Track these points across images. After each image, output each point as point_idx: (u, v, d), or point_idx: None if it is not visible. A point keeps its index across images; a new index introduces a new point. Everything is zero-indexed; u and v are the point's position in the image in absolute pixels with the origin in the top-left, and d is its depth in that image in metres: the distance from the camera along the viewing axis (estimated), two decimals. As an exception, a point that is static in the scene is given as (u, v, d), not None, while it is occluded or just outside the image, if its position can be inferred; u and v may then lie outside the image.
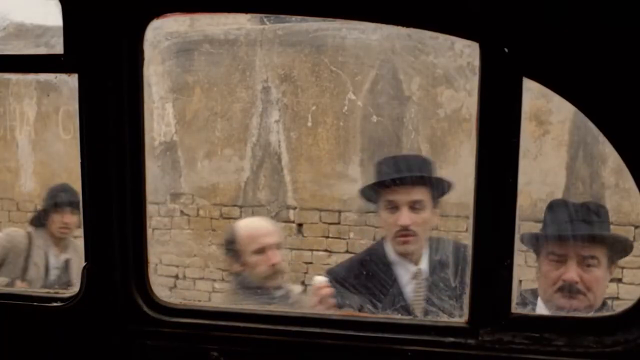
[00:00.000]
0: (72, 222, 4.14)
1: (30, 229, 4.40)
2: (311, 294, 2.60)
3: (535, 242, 2.51)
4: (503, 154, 1.58)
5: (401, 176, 2.65)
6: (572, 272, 2.32)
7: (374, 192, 2.76)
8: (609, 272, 2.39)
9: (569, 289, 2.33)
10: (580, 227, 2.38)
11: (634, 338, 1.59)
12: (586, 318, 1.89)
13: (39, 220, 4.35)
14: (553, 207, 2.54)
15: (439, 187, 2.71)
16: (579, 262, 2.34)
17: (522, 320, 1.65)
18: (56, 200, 4.23)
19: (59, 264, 4.27)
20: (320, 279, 2.64)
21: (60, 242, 4.24)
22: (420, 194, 2.65)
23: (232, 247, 3.06)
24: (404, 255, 2.69)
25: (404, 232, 2.62)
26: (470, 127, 1.73)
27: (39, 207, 4.75)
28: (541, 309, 2.39)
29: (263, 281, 2.94)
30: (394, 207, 2.64)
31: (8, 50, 2.05)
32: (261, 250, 2.95)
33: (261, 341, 1.79)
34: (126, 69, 1.74)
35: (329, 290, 2.55)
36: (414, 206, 2.62)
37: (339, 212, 6.96)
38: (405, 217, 2.61)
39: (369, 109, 6.76)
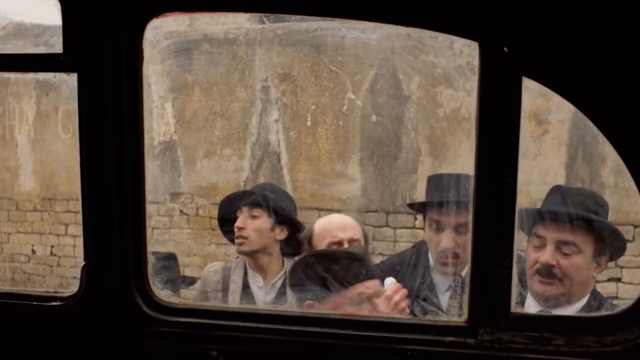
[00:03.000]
0: (252, 227, 3.12)
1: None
2: (384, 299, 2.42)
3: (520, 222, 2.48)
4: (502, 154, 1.58)
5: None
6: (548, 255, 2.29)
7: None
8: (597, 264, 2.32)
9: (545, 272, 2.29)
10: (569, 212, 2.34)
11: (633, 338, 1.59)
12: (586, 318, 1.89)
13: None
14: (554, 190, 2.50)
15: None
16: (558, 247, 2.30)
17: (522, 320, 1.65)
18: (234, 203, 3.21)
19: (268, 297, 3.12)
20: (393, 280, 2.52)
21: (254, 263, 3.14)
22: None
23: (308, 244, 2.97)
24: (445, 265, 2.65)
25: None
26: (470, 126, 1.72)
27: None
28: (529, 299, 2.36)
29: None
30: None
31: (7, 49, 2.05)
32: (335, 245, 2.84)
33: (261, 340, 1.79)
34: (125, 68, 1.74)
35: (404, 292, 2.44)
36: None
37: (339, 211, 6.95)
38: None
39: (369, 109, 6.76)
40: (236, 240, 3.08)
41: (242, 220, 3.06)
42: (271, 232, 3.09)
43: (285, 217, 3.13)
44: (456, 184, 2.71)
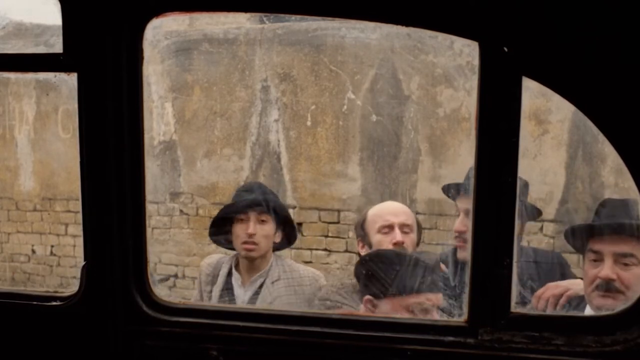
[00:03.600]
0: (261, 233, 3.00)
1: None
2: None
3: (572, 239, 2.47)
4: (502, 153, 1.58)
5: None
6: (607, 270, 2.27)
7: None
8: None
9: (606, 287, 2.28)
10: (623, 223, 2.33)
11: (633, 337, 1.59)
12: (586, 317, 1.89)
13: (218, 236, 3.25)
14: (605, 203, 2.52)
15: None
16: (617, 259, 2.28)
17: (522, 320, 1.65)
18: (237, 203, 3.09)
19: (246, 296, 3.03)
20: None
21: (248, 264, 3.05)
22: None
23: (361, 229, 2.96)
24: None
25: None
26: (470, 126, 1.73)
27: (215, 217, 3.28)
28: (588, 311, 2.33)
29: None
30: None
31: (7, 49, 2.05)
32: (386, 229, 2.83)
33: (261, 340, 1.79)
34: (125, 68, 1.74)
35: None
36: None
37: (339, 211, 6.96)
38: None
39: (369, 108, 6.76)
40: (245, 247, 3.00)
41: (253, 226, 2.99)
42: (273, 237, 3.07)
43: (285, 220, 3.11)
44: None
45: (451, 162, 6.47)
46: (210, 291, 3.09)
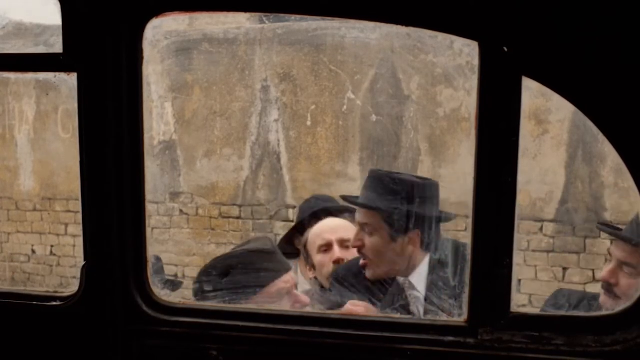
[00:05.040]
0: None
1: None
2: None
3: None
4: (502, 153, 1.58)
5: None
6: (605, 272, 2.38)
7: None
8: None
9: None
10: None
11: (633, 337, 1.59)
12: (585, 317, 1.89)
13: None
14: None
15: None
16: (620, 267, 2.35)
17: (522, 320, 1.65)
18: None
19: None
20: None
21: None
22: None
23: (304, 251, 2.90)
24: None
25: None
26: (470, 126, 1.73)
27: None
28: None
29: (328, 283, 2.70)
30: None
31: (7, 49, 2.05)
32: (325, 247, 2.77)
33: (261, 340, 1.79)
34: (125, 68, 1.74)
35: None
36: None
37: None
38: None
39: (368, 108, 6.77)
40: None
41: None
42: None
43: None
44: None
45: (451, 162, 6.47)
46: None
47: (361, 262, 2.52)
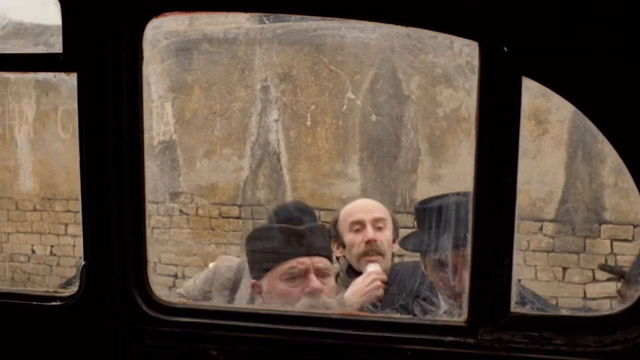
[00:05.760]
0: None
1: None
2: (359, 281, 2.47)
3: None
4: (502, 153, 1.58)
5: None
6: None
7: None
8: None
9: None
10: None
11: (633, 337, 1.59)
12: (585, 317, 1.89)
13: None
14: None
15: None
16: None
17: (521, 319, 1.65)
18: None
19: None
20: (376, 266, 2.53)
21: None
22: None
23: (334, 229, 2.82)
24: None
25: None
26: (470, 126, 1.73)
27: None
28: None
29: (359, 264, 2.63)
30: None
31: (7, 49, 2.05)
32: (357, 226, 2.70)
33: (260, 340, 1.79)
34: (125, 68, 1.74)
35: (379, 279, 2.45)
36: None
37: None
38: None
39: (368, 108, 6.77)
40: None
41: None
42: None
43: None
44: None
45: (451, 162, 6.47)
46: (230, 296, 2.99)
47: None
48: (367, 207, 2.80)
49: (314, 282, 2.30)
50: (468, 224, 1.66)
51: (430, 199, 2.65)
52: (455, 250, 2.37)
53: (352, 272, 2.71)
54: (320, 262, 2.35)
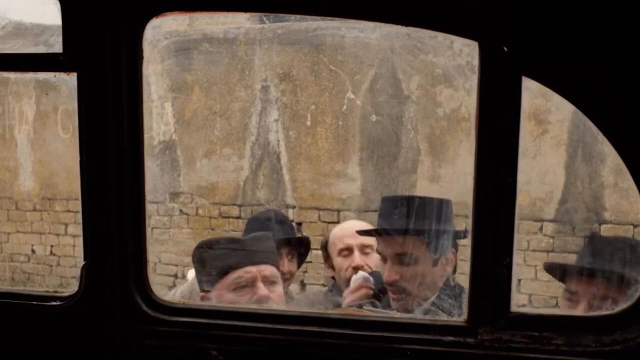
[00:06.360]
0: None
1: None
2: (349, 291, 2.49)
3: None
4: (502, 153, 1.58)
5: None
6: None
7: None
8: None
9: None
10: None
11: (632, 337, 1.59)
12: (585, 317, 1.89)
13: None
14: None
15: None
16: None
17: (521, 319, 1.65)
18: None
19: None
20: (364, 274, 2.57)
21: None
22: None
23: (324, 251, 2.91)
24: None
25: None
26: (469, 126, 1.73)
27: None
28: None
29: (347, 287, 2.67)
30: None
31: (7, 49, 2.05)
32: (345, 252, 2.78)
33: (260, 340, 1.79)
34: (125, 68, 1.74)
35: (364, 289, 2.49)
36: None
37: (338, 211, 6.97)
38: None
39: (368, 108, 6.77)
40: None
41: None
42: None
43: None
44: None
45: (451, 162, 6.47)
46: None
47: (392, 296, 2.39)
48: (355, 232, 2.82)
49: (262, 290, 2.34)
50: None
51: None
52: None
53: (342, 292, 2.77)
54: (267, 270, 2.39)
